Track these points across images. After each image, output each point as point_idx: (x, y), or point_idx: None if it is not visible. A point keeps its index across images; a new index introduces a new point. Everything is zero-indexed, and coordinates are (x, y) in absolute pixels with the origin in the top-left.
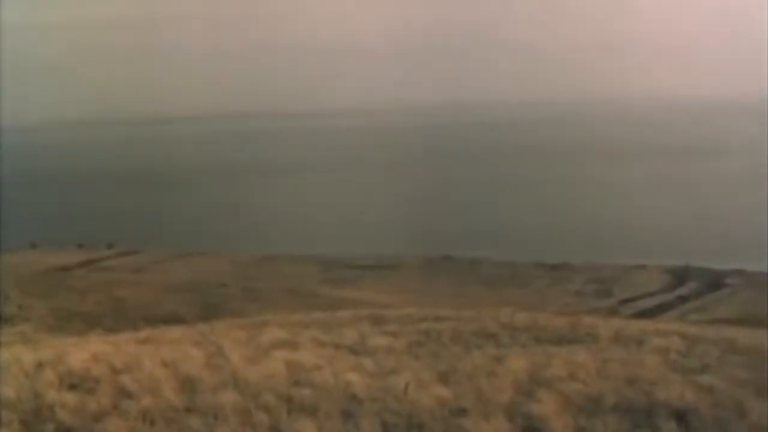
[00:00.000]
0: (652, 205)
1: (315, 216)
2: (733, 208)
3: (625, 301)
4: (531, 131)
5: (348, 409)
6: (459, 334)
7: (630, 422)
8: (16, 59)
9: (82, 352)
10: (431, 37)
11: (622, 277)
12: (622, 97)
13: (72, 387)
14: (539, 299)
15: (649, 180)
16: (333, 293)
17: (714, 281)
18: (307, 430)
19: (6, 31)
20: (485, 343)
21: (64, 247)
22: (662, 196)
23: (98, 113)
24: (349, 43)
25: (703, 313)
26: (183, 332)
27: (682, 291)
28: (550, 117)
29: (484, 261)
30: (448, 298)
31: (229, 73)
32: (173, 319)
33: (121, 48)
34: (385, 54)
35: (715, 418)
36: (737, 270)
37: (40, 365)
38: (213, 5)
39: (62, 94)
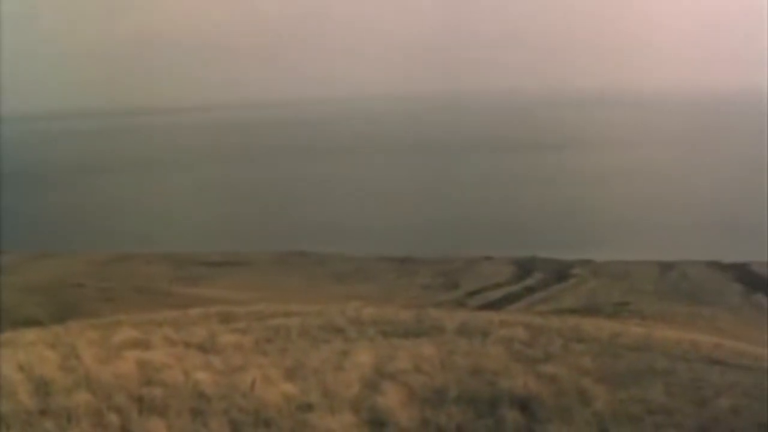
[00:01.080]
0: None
1: (166, 213)
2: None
3: (472, 293)
4: (389, 125)
5: (197, 407)
6: (307, 329)
7: (474, 412)
8: None
9: None
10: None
11: (469, 270)
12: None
13: None
14: (387, 293)
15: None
16: (185, 291)
17: (560, 272)
18: (158, 429)
19: None
20: (333, 337)
21: None
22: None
23: None
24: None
25: (549, 303)
26: (39, 334)
27: (529, 282)
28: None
29: (335, 256)
30: (298, 293)
31: (84, 69)
32: (32, 321)
33: None
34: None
35: (559, 406)
36: (583, 260)
37: None
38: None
39: None
